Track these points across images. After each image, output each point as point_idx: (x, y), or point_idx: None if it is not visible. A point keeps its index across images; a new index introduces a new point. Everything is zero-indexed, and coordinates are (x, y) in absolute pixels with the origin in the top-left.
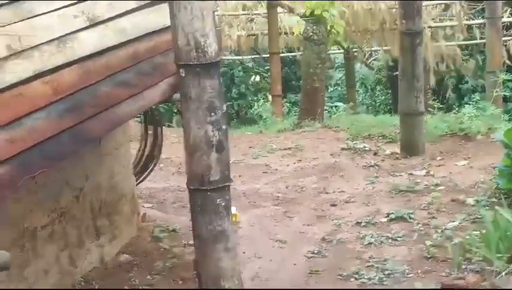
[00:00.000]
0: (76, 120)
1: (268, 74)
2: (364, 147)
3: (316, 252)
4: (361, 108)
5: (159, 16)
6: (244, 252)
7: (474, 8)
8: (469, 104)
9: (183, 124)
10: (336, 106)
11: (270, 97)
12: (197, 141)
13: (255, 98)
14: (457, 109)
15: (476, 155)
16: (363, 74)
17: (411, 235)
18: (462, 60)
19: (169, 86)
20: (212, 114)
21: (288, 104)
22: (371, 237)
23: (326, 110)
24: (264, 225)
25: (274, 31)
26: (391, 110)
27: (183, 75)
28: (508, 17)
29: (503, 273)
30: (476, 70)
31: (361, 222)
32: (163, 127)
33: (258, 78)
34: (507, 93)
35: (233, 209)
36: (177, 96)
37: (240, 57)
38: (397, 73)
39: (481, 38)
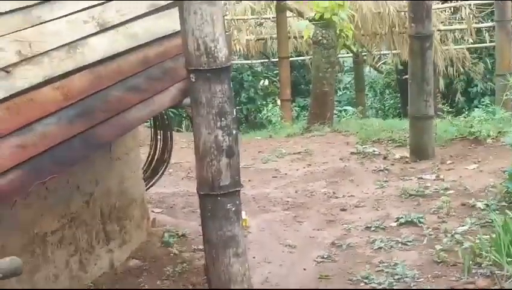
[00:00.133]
0: (87, 125)
1: (278, 78)
2: (374, 151)
3: (325, 256)
4: (370, 112)
5: (169, 21)
6: (254, 257)
7: (484, 11)
8: (478, 107)
9: (194, 129)
10: (345, 110)
11: (279, 101)
12: (207, 146)
13: (264, 102)
14: (466, 112)
15: (485, 159)
16: (372, 78)
17: (421, 240)
18: (472, 63)
19: (179, 90)
20: (223, 119)
21: (297, 109)
22: (381, 241)
23: (335, 114)
24: (273, 229)
25: (283, 35)
26: (400, 114)
27: (194, 80)
28: None
29: None
30: (485, 73)
31: (371, 227)
32: (173, 131)
33: (267, 82)
34: None
35: (243, 214)
36: (187, 101)
37: (249, 62)
38: (406, 77)
39: (490, 41)
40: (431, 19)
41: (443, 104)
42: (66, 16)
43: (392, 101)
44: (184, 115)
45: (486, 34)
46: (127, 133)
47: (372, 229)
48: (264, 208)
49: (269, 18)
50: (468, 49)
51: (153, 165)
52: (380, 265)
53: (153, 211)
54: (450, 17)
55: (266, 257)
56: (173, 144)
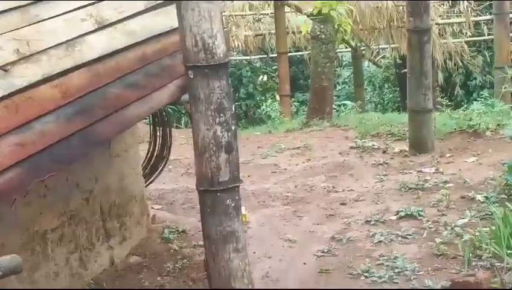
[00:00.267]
0: (86, 123)
1: (276, 73)
2: (373, 145)
3: (325, 251)
4: (369, 106)
5: (167, 18)
6: (254, 252)
7: (482, 4)
8: (477, 100)
9: (192, 125)
10: (344, 104)
11: (278, 97)
12: (206, 142)
13: (263, 98)
14: (465, 105)
15: (485, 152)
16: (371, 72)
17: (421, 233)
18: (470, 56)
19: (177, 87)
20: (221, 115)
21: (296, 104)
22: (381, 235)
23: (334, 109)
24: (273, 224)
25: (281, 31)
26: (399, 107)
27: (192, 76)
28: None
29: None
30: (484, 66)
31: (370, 220)
32: (172, 128)
33: (265, 78)
34: None
35: (243, 210)
36: (185, 97)
37: (248, 57)
38: (405, 70)
39: (489, 34)
40: (429, 13)
41: (442, 97)
42: (63, 14)
43: (391, 95)
44: (183, 112)
45: (485, 27)
46: (125, 130)
47: (372, 223)
48: (263, 203)
49: (267, 14)
50: (467, 42)
51: (152, 161)
52: (380, 259)
53: (152, 208)
54: (448, 11)
55: (266, 252)
56: (172, 141)
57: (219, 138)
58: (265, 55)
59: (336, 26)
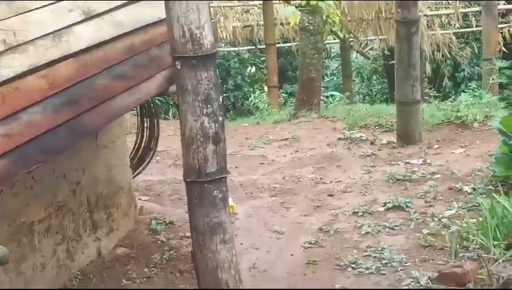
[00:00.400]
0: (73, 113)
1: (265, 64)
2: (361, 136)
3: (313, 242)
4: (357, 97)
5: (154, 9)
6: (241, 244)
7: None
8: (465, 92)
9: (180, 116)
10: (332, 96)
11: (266, 88)
12: (193, 133)
13: (251, 89)
14: (453, 97)
15: (472, 143)
16: (359, 64)
17: (408, 224)
18: (458, 48)
19: (165, 78)
20: (209, 106)
21: (284, 95)
22: (368, 226)
23: (322, 100)
24: (261, 216)
25: (270, 22)
26: (387, 99)
27: (179, 67)
28: (504, 4)
29: (500, 260)
30: (472, 58)
31: (358, 212)
32: (160, 119)
33: (254, 69)
34: (503, 81)
35: (230, 201)
36: (173, 88)
37: (236, 48)
38: (393, 62)
39: (477, 26)
40: (417, 4)
41: (430, 88)
42: (50, 4)
43: (379, 87)
44: (171, 103)
45: (473, 18)
46: (113, 121)
47: (360, 214)
48: (251, 195)
49: (256, 5)
50: (455, 33)
51: (139, 153)
52: (368, 250)
53: (140, 199)
54: (436, 2)
55: (254, 243)
56: (160, 132)
57: (206, 129)
58: (253, 47)
59: (324, 18)
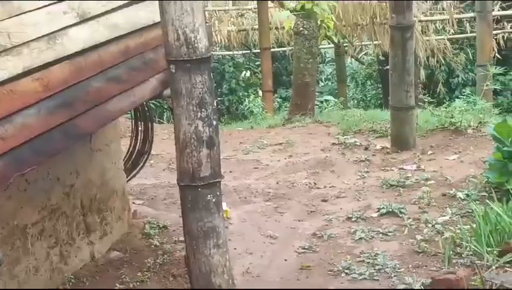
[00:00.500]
0: (67, 116)
1: (259, 69)
2: (355, 141)
3: (306, 247)
4: (352, 103)
5: (149, 12)
6: (235, 248)
7: (465, 2)
8: (459, 98)
9: (174, 120)
10: (326, 100)
11: (260, 92)
12: (187, 137)
13: (246, 93)
14: (447, 103)
15: (466, 149)
16: (353, 69)
17: (402, 230)
18: (453, 54)
19: (159, 82)
20: (203, 110)
21: (279, 100)
22: (362, 232)
23: (317, 105)
24: (255, 220)
25: (264, 26)
26: (382, 104)
27: (174, 71)
28: (498, 10)
29: (494, 267)
30: (467, 64)
31: (352, 217)
32: (154, 123)
33: (248, 73)
34: (497, 87)
35: (224, 205)
36: (167, 92)
37: (231, 53)
38: (388, 67)
39: (471, 32)
40: (412, 10)
41: (424, 94)
42: (45, 6)
43: (373, 92)
44: (165, 106)
45: (467, 24)
46: (107, 124)
47: (353, 219)
48: (245, 199)
49: (251, 9)
50: (450, 39)
51: (133, 156)
52: (361, 255)
53: (134, 203)
54: (431, 8)
55: (247, 248)
56: (154, 135)
57: (200, 133)
58: (248, 51)
59: (318, 22)
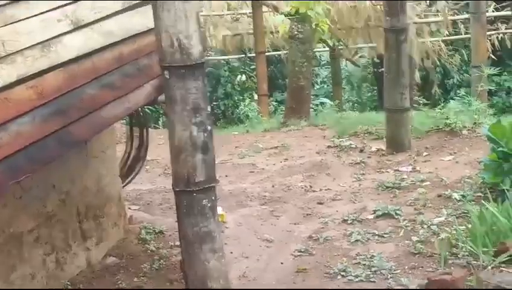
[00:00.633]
0: (62, 124)
1: (254, 73)
2: (351, 144)
3: (303, 250)
4: (347, 105)
5: (143, 18)
6: (231, 252)
7: (459, 3)
8: (454, 99)
9: (168, 126)
10: (322, 103)
11: (256, 96)
12: (182, 143)
13: (241, 97)
14: (443, 104)
15: (461, 150)
16: (349, 71)
17: (397, 232)
18: (448, 55)
19: (154, 88)
20: (197, 115)
21: (274, 103)
22: (358, 234)
23: (312, 108)
24: (251, 224)
25: (259, 31)
26: (377, 107)
27: (168, 76)
28: (493, 11)
29: (489, 267)
30: (462, 65)
31: (348, 219)
32: (150, 128)
33: (244, 77)
34: (492, 88)
35: (220, 210)
36: (162, 97)
37: (226, 57)
38: (383, 70)
39: (466, 33)
40: (406, 12)
41: (419, 96)
42: (39, 14)
43: (369, 94)
44: (161, 112)
45: (462, 26)
46: (102, 131)
47: (349, 222)
48: (241, 203)
49: (245, 13)
50: (444, 41)
51: (129, 162)
52: (357, 258)
53: (129, 208)
54: (425, 10)
55: (243, 252)
56: (150, 141)
57: (195, 139)
58: (243, 55)
59: (313, 26)
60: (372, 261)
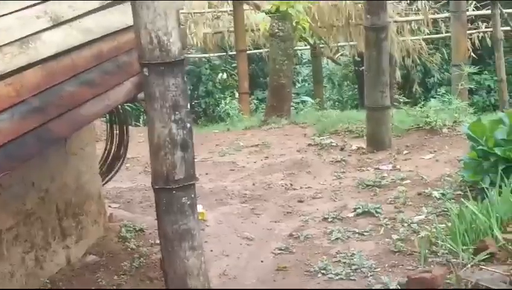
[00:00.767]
0: (41, 121)
1: (235, 71)
2: (331, 142)
3: (283, 248)
4: (328, 103)
5: (122, 15)
6: (211, 250)
7: (439, 2)
8: (435, 97)
9: (148, 123)
10: (303, 102)
11: (237, 94)
12: (161, 140)
13: (222, 95)
14: (423, 102)
15: (441, 148)
16: (330, 70)
17: (378, 230)
18: (428, 53)
19: (134, 85)
20: (177, 113)
21: (255, 101)
22: (338, 232)
23: (293, 106)
24: (231, 222)
25: (240, 28)
26: (358, 105)
27: (147, 74)
28: (473, 10)
29: (469, 265)
30: (442, 64)
31: (328, 218)
32: (130, 126)
33: (225, 75)
34: (472, 86)
35: (200, 208)
36: (142, 95)
37: (207, 55)
38: (364, 68)
39: (446, 32)
40: (386, 10)
41: (400, 94)
42: (18, 11)
43: (350, 93)
44: (142, 110)
45: (443, 24)
46: (81, 128)
47: (330, 220)
48: (221, 201)
49: (226, 11)
50: (425, 39)
51: (109, 160)
52: (337, 256)
53: (110, 206)
54: (406, 8)
55: (224, 250)
56: (130, 139)
57: (174, 136)
58: (224, 53)
59: (294, 24)
60: (353, 259)
